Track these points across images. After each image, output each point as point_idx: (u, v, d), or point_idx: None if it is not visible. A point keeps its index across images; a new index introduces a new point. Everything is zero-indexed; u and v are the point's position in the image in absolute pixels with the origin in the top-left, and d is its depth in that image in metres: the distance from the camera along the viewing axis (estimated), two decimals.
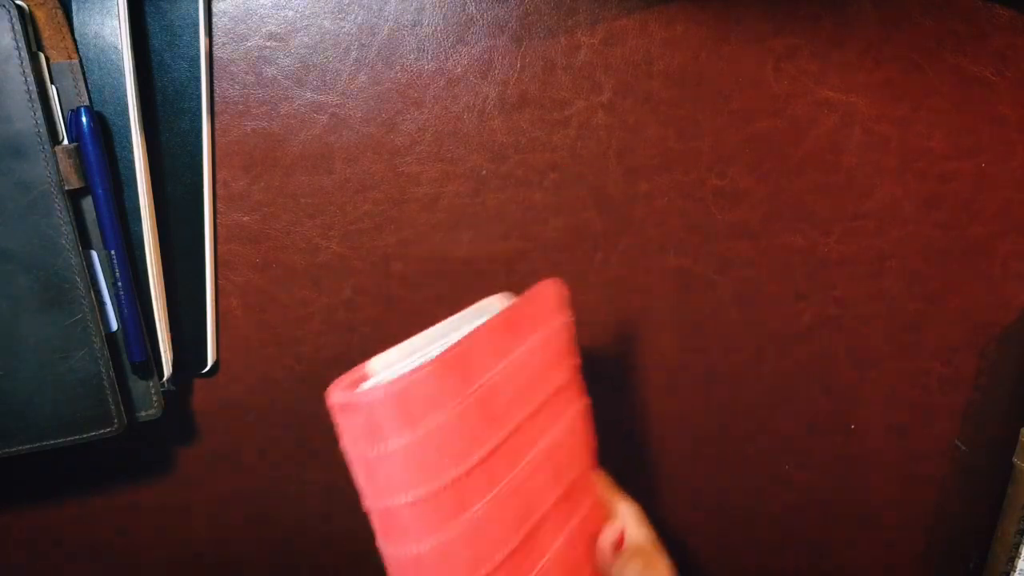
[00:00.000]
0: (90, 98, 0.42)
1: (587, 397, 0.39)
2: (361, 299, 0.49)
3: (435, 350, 0.32)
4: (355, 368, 0.31)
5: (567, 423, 0.37)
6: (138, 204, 0.44)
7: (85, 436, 0.44)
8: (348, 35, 0.45)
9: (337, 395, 0.29)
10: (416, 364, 0.31)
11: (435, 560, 0.31)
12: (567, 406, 0.37)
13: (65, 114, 0.41)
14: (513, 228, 0.48)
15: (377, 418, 0.29)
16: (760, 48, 0.47)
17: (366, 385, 0.30)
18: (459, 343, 0.31)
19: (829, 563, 0.55)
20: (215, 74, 0.45)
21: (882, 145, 0.48)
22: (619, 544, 0.38)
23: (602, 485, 0.41)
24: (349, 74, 0.46)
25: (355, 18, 0.45)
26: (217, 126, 0.46)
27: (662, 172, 0.48)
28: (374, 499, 0.31)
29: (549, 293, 0.36)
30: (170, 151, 0.45)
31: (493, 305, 0.35)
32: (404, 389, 0.29)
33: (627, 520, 0.40)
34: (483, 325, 0.33)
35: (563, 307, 0.37)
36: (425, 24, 0.45)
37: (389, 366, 0.31)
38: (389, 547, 0.31)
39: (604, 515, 0.40)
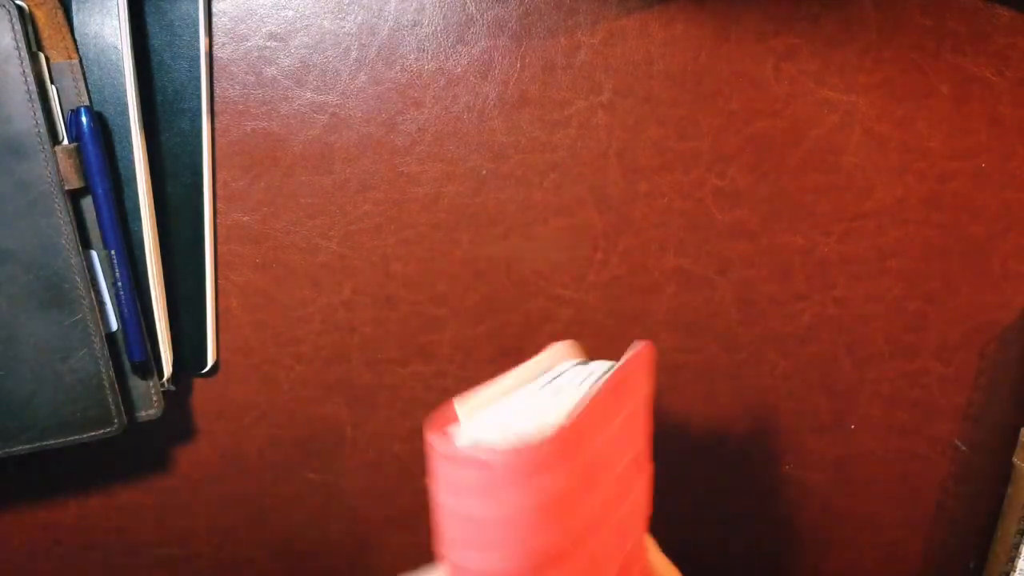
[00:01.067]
0: (90, 98, 0.42)
1: (651, 463, 0.37)
2: (361, 299, 0.49)
3: (533, 403, 0.30)
4: (440, 412, 0.29)
5: (637, 490, 0.35)
6: (138, 204, 0.44)
7: (85, 436, 0.44)
8: (348, 35, 0.45)
9: (444, 444, 0.27)
10: (521, 420, 0.29)
11: None
12: (639, 473, 0.35)
13: (65, 114, 0.41)
14: (513, 228, 0.48)
15: (502, 477, 0.27)
16: (760, 48, 0.47)
17: (469, 433, 0.28)
18: (587, 408, 0.29)
19: (829, 563, 0.55)
20: (215, 74, 0.45)
21: (882, 145, 0.48)
22: None
23: (652, 551, 0.39)
24: (349, 74, 0.46)
25: (355, 18, 0.45)
26: (217, 126, 0.46)
27: (662, 172, 0.48)
28: (459, 551, 0.29)
29: (645, 358, 0.34)
30: (170, 151, 0.45)
31: (561, 353, 0.34)
32: (535, 450, 0.26)
33: None
34: (600, 390, 0.30)
35: (650, 374, 0.35)
36: (425, 24, 0.45)
37: (474, 414, 0.29)
38: None
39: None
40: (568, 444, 0.28)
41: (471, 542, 0.28)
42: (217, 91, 0.45)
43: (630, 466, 0.35)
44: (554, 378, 0.33)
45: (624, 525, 0.35)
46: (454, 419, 0.29)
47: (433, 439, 0.28)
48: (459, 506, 0.28)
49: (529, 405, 0.30)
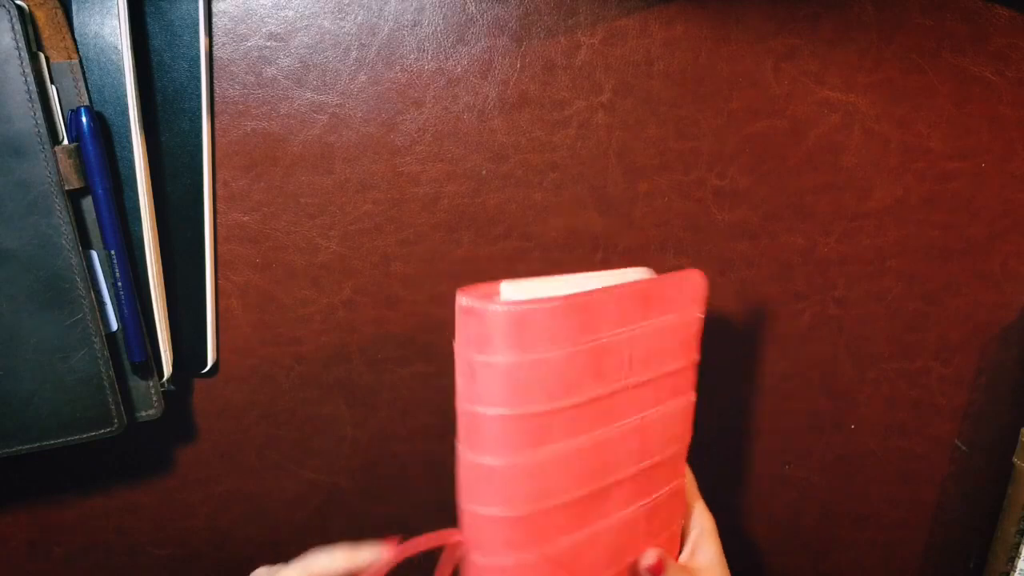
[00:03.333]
0: (90, 98, 0.42)
1: (695, 393, 0.39)
2: (361, 299, 0.49)
3: (567, 291, 0.33)
4: (490, 283, 0.33)
5: (669, 408, 0.38)
6: (138, 204, 0.44)
7: (85, 436, 0.44)
8: (348, 35, 0.45)
9: (465, 299, 0.31)
10: (545, 296, 0.32)
11: (504, 477, 0.32)
12: (673, 393, 0.38)
13: (65, 114, 0.41)
14: (513, 228, 0.48)
15: (492, 330, 0.31)
16: (760, 48, 0.47)
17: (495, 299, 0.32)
18: (590, 293, 0.33)
19: (829, 563, 0.55)
20: (215, 74, 0.45)
21: (882, 145, 0.48)
22: (656, 569, 0.38)
23: (688, 482, 0.41)
24: (349, 74, 0.46)
25: (355, 18, 0.45)
26: (217, 126, 0.46)
27: (662, 172, 0.48)
28: (466, 401, 0.33)
29: (690, 283, 0.37)
30: (170, 151, 0.45)
31: (636, 275, 0.37)
32: (524, 313, 0.31)
33: (699, 529, 0.40)
34: (618, 287, 0.34)
35: (699, 301, 0.38)
36: (425, 24, 0.45)
37: (520, 291, 0.33)
38: (467, 451, 0.33)
39: (681, 509, 0.40)
40: (566, 318, 0.32)
41: (478, 393, 0.32)
42: (217, 91, 0.45)
43: (663, 380, 0.37)
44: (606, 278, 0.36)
45: (648, 433, 0.37)
46: (494, 293, 0.33)
47: (458, 296, 0.32)
48: (468, 355, 0.32)
49: (560, 288, 0.34)
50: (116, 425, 0.44)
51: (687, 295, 0.37)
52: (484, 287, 0.33)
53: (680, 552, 0.42)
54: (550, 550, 0.34)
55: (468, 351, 0.32)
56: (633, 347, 0.35)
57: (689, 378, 0.38)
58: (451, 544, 0.35)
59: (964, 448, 0.53)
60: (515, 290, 0.33)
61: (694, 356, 0.38)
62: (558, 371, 0.32)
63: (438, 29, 0.45)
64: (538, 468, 0.33)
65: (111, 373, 0.43)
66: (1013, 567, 0.50)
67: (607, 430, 0.35)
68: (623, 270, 0.37)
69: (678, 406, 0.38)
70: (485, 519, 0.33)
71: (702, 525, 0.41)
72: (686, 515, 0.41)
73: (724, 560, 0.41)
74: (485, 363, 0.31)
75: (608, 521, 0.36)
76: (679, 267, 0.50)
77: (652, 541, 0.38)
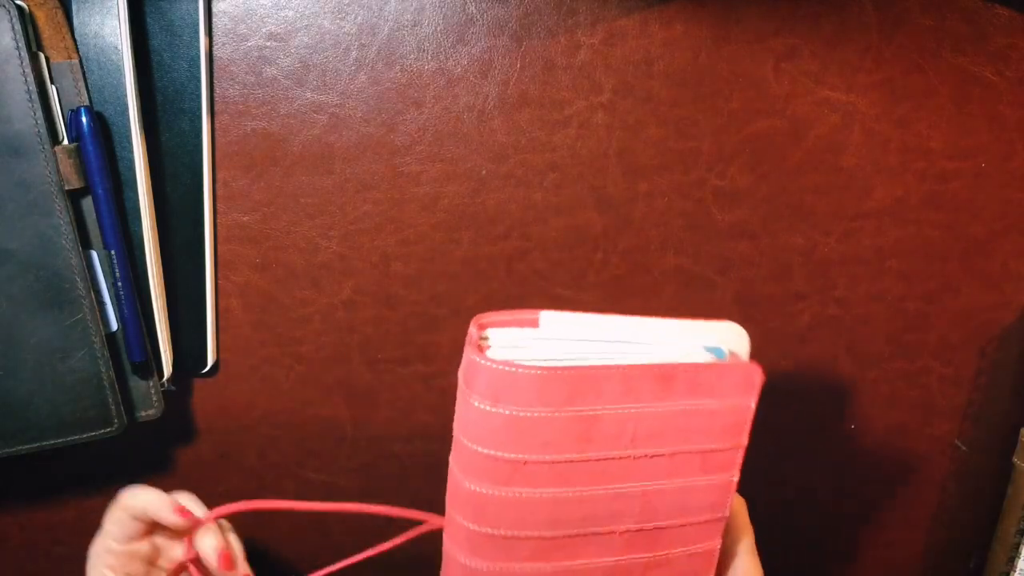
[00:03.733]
0: (90, 98, 0.42)
1: (737, 472, 0.38)
2: (361, 299, 0.49)
3: (597, 345, 0.35)
4: (531, 311, 0.35)
5: (693, 483, 0.37)
6: (138, 204, 0.44)
7: (85, 436, 0.44)
8: (348, 35, 0.45)
9: (470, 351, 0.34)
10: (533, 364, 0.33)
11: (477, 499, 0.35)
12: (704, 470, 0.37)
13: (65, 114, 0.41)
14: (513, 228, 0.48)
15: (476, 375, 0.34)
16: (760, 48, 0.47)
17: (499, 342, 0.35)
18: (582, 369, 0.34)
19: (829, 563, 0.55)
20: (215, 74, 0.45)
21: (882, 145, 0.48)
22: None
23: (743, 543, 0.40)
24: (349, 74, 0.46)
25: (355, 18, 0.45)
26: (217, 126, 0.46)
27: (662, 172, 0.48)
28: (457, 429, 0.35)
29: (741, 375, 0.36)
30: (170, 151, 0.45)
31: (717, 332, 0.37)
32: (503, 374, 0.33)
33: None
34: (630, 367, 0.34)
35: (750, 393, 0.37)
36: (425, 24, 0.45)
37: (556, 323, 0.35)
38: (456, 468, 0.36)
39: (708, 570, 0.40)
40: (546, 388, 0.33)
41: (465, 428, 0.35)
42: (217, 91, 0.45)
43: (682, 458, 0.37)
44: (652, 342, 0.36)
45: (657, 502, 0.37)
46: (531, 322, 0.36)
47: (472, 325, 0.35)
48: (462, 393, 0.34)
49: (600, 332, 0.35)
50: (116, 425, 0.44)
51: (733, 385, 0.36)
52: (521, 313, 0.36)
53: None
54: (518, 570, 0.36)
55: (461, 379, 0.34)
56: (640, 423, 0.35)
57: (730, 459, 0.38)
58: (433, 526, 0.39)
59: (964, 448, 0.53)
60: (552, 321, 0.35)
61: (739, 440, 0.37)
62: (533, 428, 0.34)
63: (438, 29, 0.45)
64: (508, 503, 0.35)
65: (111, 373, 0.43)
66: (1013, 567, 0.50)
67: (595, 490, 0.36)
68: (710, 323, 0.36)
69: (710, 485, 0.38)
70: (457, 524, 0.36)
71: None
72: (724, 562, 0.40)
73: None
74: (469, 398, 0.34)
75: (592, 561, 0.37)
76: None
77: None
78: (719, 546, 0.39)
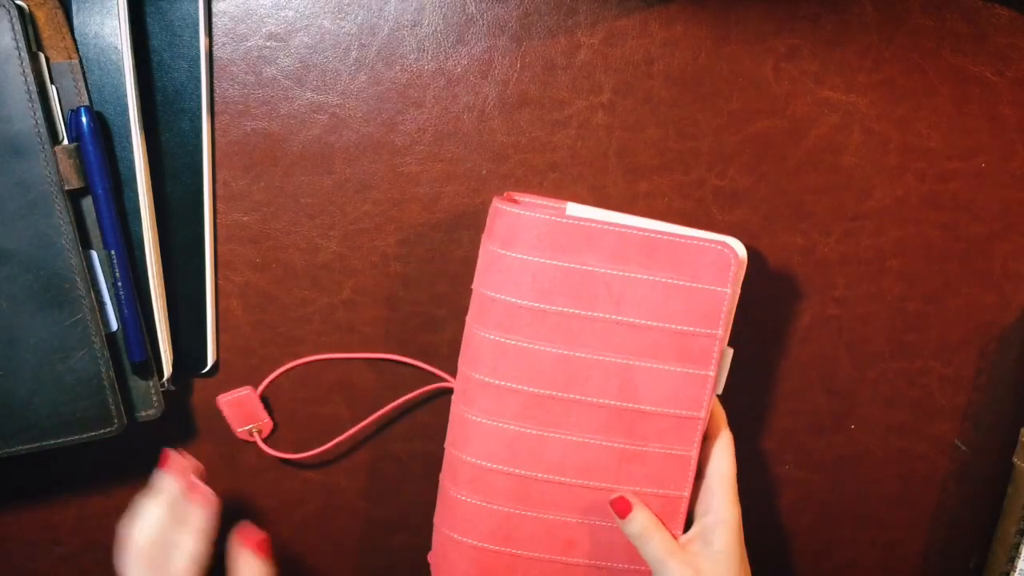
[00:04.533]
0: (90, 98, 0.42)
1: (712, 371, 0.41)
2: (361, 299, 0.49)
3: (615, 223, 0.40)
4: (561, 201, 0.43)
5: (670, 369, 0.41)
6: (138, 204, 0.44)
7: (85, 436, 0.44)
8: (348, 35, 0.45)
9: (497, 201, 0.41)
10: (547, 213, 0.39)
11: (475, 343, 0.41)
12: (680, 357, 0.41)
13: (65, 114, 0.41)
14: None
15: (490, 219, 0.41)
16: (760, 48, 0.47)
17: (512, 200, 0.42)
18: (581, 225, 0.39)
19: (829, 563, 0.55)
20: (215, 74, 0.45)
21: (882, 145, 0.48)
22: (619, 506, 0.41)
23: (718, 471, 0.42)
24: (349, 74, 0.46)
25: (355, 18, 0.45)
26: (217, 126, 0.46)
27: (662, 172, 0.48)
28: (477, 282, 0.41)
29: (713, 256, 0.40)
30: (170, 151, 0.45)
31: (713, 238, 0.41)
32: (512, 215, 0.39)
33: (715, 517, 0.41)
34: (622, 232, 0.39)
35: (722, 277, 0.40)
36: (425, 24, 0.45)
37: (581, 211, 0.41)
38: (475, 324, 0.41)
39: (682, 483, 0.42)
40: (541, 229, 0.39)
41: (484, 277, 0.41)
42: (217, 91, 0.45)
43: (659, 335, 0.40)
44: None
45: (634, 375, 0.40)
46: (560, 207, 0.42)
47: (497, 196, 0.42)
48: (485, 242, 0.41)
49: (617, 221, 0.40)
50: (116, 425, 0.44)
51: (705, 266, 0.40)
52: (556, 201, 0.43)
53: (684, 530, 0.41)
54: (504, 431, 0.41)
55: (484, 235, 0.42)
56: (625, 287, 0.40)
57: (706, 350, 0.40)
58: (444, 384, 0.47)
59: (964, 448, 0.53)
60: (577, 210, 0.41)
61: (714, 330, 0.40)
62: (527, 273, 0.39)
63: (438, 29, 0.45)
64: (504, 350, 0.40)
65: (111, 373, 0.43)
66: (1013, 567, 0.50)
67: (579, 350, 0.40)
68: (711, 234, 0.41)
69: (686, 375, 0.40)
70: (460, 375, 0.42)
71: (723, 515, 0.40)
72: (705, 499, 0.42)
73: (741, 556, 0.40)
74: (488, 245, 0.41)
75: (571, 435, 0.41)
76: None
77: (632, 490, 0.41)
78: (695, 458, 0.42)
